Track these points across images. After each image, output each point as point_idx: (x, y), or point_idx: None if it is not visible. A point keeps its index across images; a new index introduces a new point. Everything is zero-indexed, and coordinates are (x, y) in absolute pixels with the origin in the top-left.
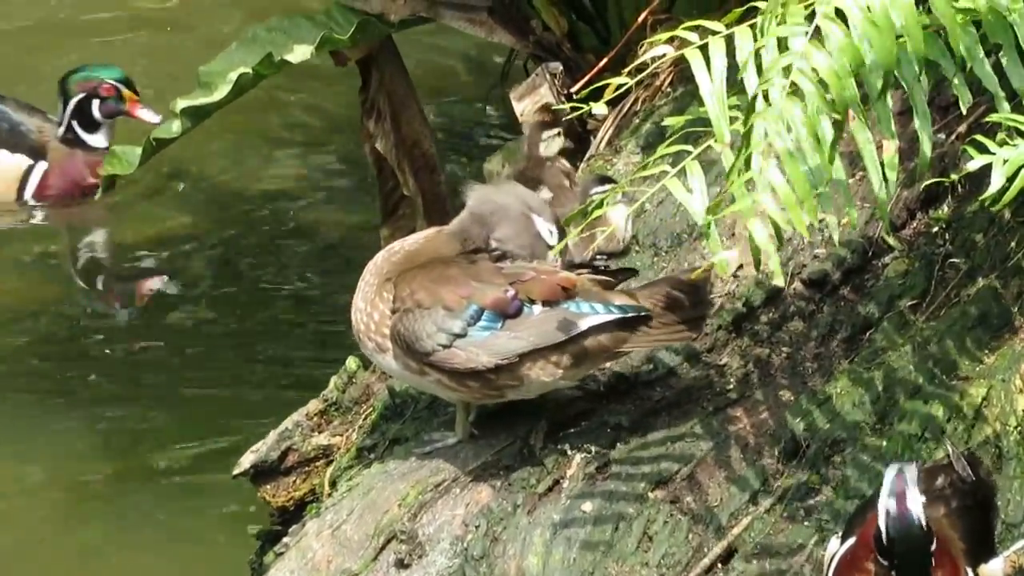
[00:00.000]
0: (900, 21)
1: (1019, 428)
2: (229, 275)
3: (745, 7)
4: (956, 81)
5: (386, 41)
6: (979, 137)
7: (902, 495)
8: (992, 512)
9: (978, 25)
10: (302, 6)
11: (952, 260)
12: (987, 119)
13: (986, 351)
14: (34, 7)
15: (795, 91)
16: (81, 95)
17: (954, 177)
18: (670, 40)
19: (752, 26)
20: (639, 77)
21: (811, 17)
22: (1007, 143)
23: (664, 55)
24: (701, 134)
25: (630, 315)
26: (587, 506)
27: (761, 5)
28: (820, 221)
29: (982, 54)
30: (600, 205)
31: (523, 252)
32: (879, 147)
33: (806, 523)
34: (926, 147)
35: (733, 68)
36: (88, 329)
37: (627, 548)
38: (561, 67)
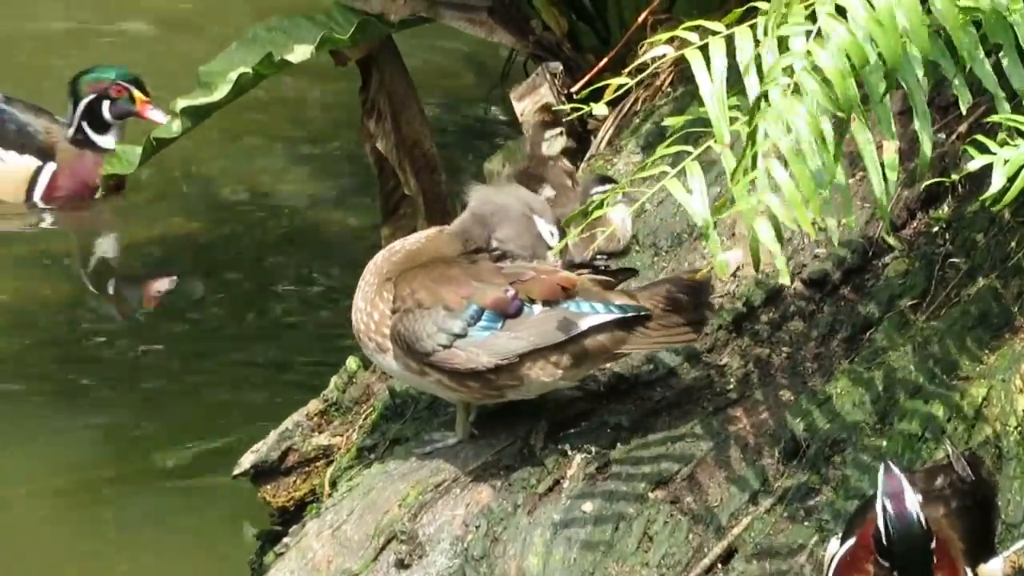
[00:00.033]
0: (904, 21)
1: (1019, 428)
2: (229, 275)
3: (745, 7)
4: (956, 81)
5: (386, 41)
6: (980, 137)
7: (899, 494)
8: (992, 512)
9: (978, 25)
10: (321, 7)
11: (952, 260)
12: (987, 119)
13: (986, 351)
14: (57, 8)
15: (797, 91)
16: (91, 96)
17: (955, 177)
18: (670, 40)
19: (752, 26)
20: (639, 77)
21: (813, 17)
22: (1008, 143)
23: (664, 55)
24: (701, 134)
25: (630, 315)
26: (587, 506)
27: (761, 5)
28: (820, 220)
29: (982, 54)
30: (600, 205)
31: (524, 253)
32: (879, 147)
33: (806, 523)
34: (926, 147)
35: (733, 68)
36: (89, 330)
37: (627, 548)
38: (561, 67)
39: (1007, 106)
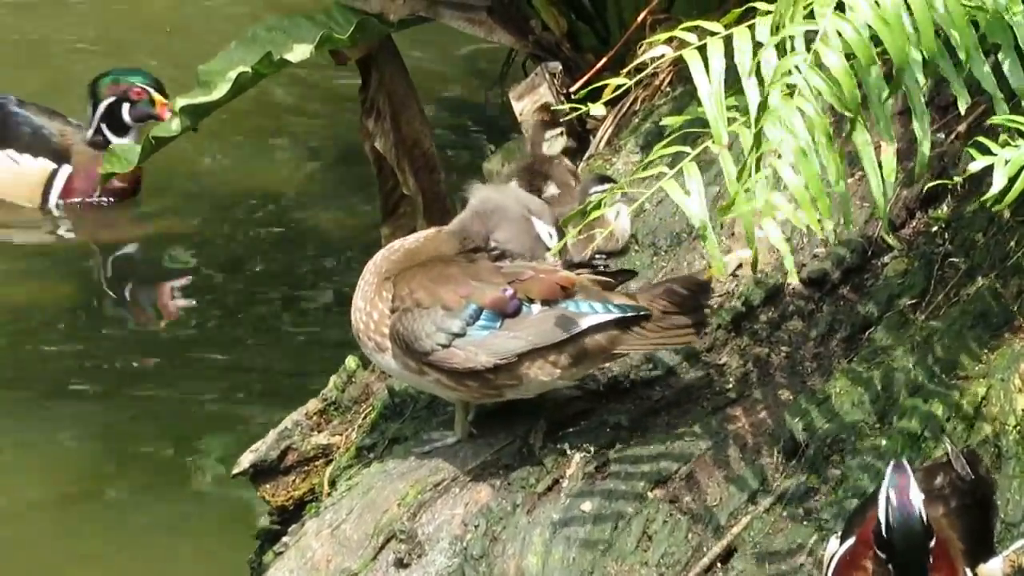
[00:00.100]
0: (910, 21)
1: (1018, 427)
2: (229, 274)
3: (744, 7)
4: (955, 81)
5: (386, 40)
6: (980, 138)
7: (904, 487)
8: (991, 511)
9: (975, 25)
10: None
11: (952, 259)
12: (986, 119)
13: (985, 350)
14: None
15: (803, 90)
16: (111, 99)
17: (957, 180)
18: (669, 40)
19: (751, 27)
20: (638, 77)
21: (812, 15)
22: (1009, 144)
23: (663, 55)
24: (700, 134)
25: (629, 315)
26: (586, 505)
27: (760, 5)
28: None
29: (982, 55)
30: (598, 205)
31: (523, 253)
32: (877, 148)
33: (805, 523)
34: (924, 148)
35: (731, 69)
36: (90, 330)
37: (626, 547)
38: (560, 67)
39: (1005, 107)
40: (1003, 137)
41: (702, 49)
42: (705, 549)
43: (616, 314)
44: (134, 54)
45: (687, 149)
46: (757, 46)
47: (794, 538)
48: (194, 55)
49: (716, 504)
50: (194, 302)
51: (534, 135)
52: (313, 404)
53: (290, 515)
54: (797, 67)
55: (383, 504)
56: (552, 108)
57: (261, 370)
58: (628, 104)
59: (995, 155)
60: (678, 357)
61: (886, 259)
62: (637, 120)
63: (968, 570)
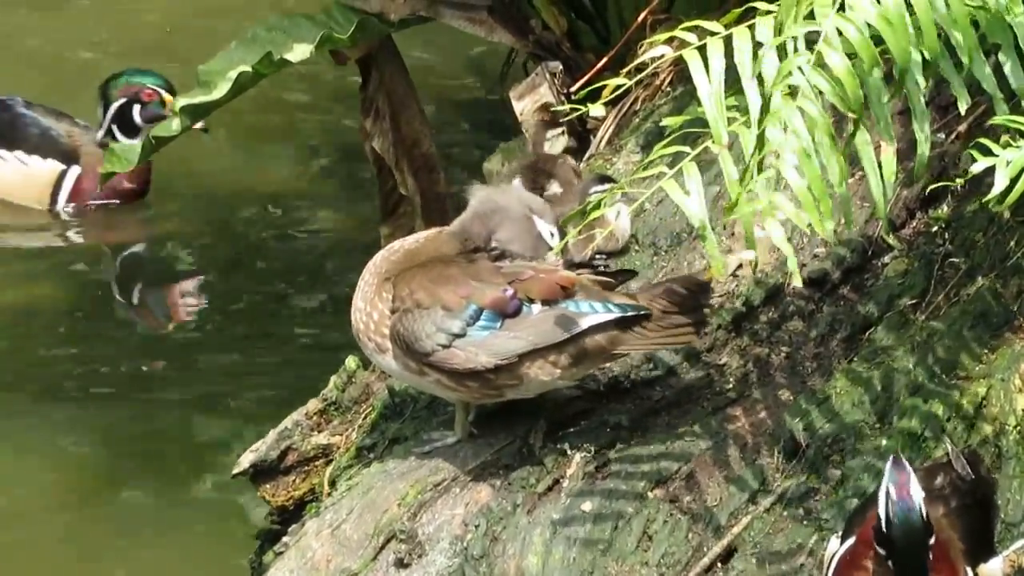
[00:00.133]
0: (912, 21)
1: (1018, 427)
2: (228, 275)
3: (744, 7)
4: (955, 81)
5: (386, 40)
6: (982, 139)
7: (903, 483)
8: (992, 511)
9: (975, 25)
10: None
11: (952, 259)
12: (987, 119)
13: (986, 350)
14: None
15: (807, 91)
16: (122, 100)
17: (959, 181)
18: (669, 40)
19: (751, 26)
20: (638, 77)
21: (811, 15)
22: (1010, 145)
23: (663, 55)
24: (700, 134)
25: (630, 314)
26: (587, 505)
27: (760, 5)
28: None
29: (982, 55)
30: (598, 205)
31: (524, 253)
32: (876, 148)
33: (805, 523)
34: (924, 148)
35: (731, 69)
36: (92, 331)
37: (627, 547)
38: (561, 66)
39: (1005, 107)
40: (1004, 138)
41: (702, 49)
42: (705, 549)
43: (616, 314)
44: (134, 54)
45: (687, 149)
46: (757, 46)
47: (794, 538)
48: (194, 55)
49: (716, 504)
50: (196, 303)
51: (536, 135)
52: (313, 404)
53: (290, 515)
54: (800, 68)
55: (383, 504)
56: (552, 108)
57: (261, 370)
58: (629, 104)
59: (996, 156)
60: (678, 357)
61: (886, 259)
62: (638, 120)
63: (969, 570)
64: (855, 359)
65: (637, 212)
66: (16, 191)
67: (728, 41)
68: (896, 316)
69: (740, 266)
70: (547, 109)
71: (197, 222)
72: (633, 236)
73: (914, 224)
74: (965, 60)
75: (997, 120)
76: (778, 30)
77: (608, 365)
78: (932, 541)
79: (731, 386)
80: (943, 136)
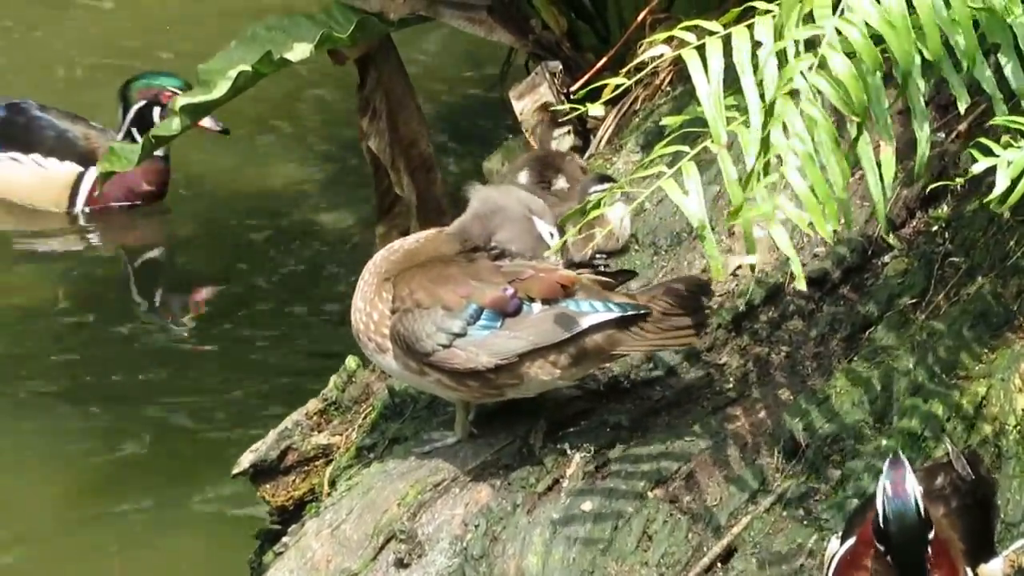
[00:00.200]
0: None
1: (1018, 427)
2: (228, 275)
3: (743, 7)
4: (955, 82)
5: (385, 40)
6: (982, 139)
7: (899, 478)
8: (992, 511)
9: (976, 25)
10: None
11: (952, 259)
12: (986, 119)
13: (986, 350)
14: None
15: (810, 94)
16: (142, 102)
17: (959, 181)
18: (669, 40)
19: (750, 26)
20: (638, 76)
21: (811, 19)
22: (1011, 145)
23: (663, 55)
24: (700, 134)
25: (630, 314)
26: (587, 505)
27: (759, 5)
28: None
29: (982, 56)
30: (598, 204)
31: (525, 254)
32: (876, 148)
33: (805, 523)
34: (924, 148)
35: (731, 68)
36: (98, 330)
37: (626, 547)
38: (560, 66)
39: (1004, 107)
40: (1005, 138)
41: (701, 49)
42: (705, 549)
43: (617, 313)
44: (134, 54)
45: (687, 149)
46: (756, 46)
47: (794, 538)
48: (194, 54)
49: (716, 504)
50: (190, 301)
51: (543, 134)
52: (313, 404)
53: (290, 515)
54: (802, 72)
55: (383, 504)
56: (552, 108)
57: (259, 370)
58: (628, 103)
59: (997, 156)
60: (678, 357)
61: (886, 259)
62: (637, 119)
63: (969, 570)
64: (855, 359)
65: (637, 212)
66: (34, 194)
67: (727, 41)
68: (896, 316)
69: (740, 266)
70: (547, 109)
71: (197, 223)
72: (633, 236)
73: (914, 224)
74: (967, 63)
75: (997, 120)
76: (778, 33)
77: (608, 365)
78: (931, 535)
79: (731, 386)
80: (943, 136)
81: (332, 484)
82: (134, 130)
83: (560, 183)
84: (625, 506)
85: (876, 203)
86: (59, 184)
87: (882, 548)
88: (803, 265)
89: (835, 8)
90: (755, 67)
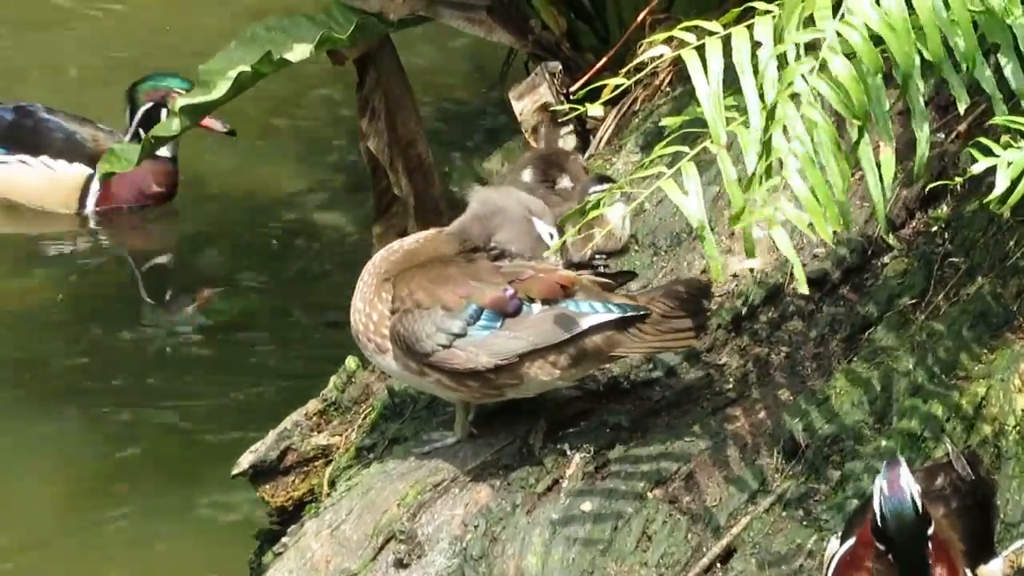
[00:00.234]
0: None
1: (1018, 428)
2: (228, 275)
3: (742, 7)
4: (954, 82)
5: (384, 40)
6: (982, 139)
7: (895, 476)
8: (992, 511)
9: (975, 26)
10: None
11: (951, 259)
12: (986, 119)
13: (985, 350)
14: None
15: (811, 98)
16: (149, 104)
17: (959, 180)
18: (668, 40)
19: (750, 27)
20: (638, 77)
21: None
22: (1011, 145)
23: (662, 55)
24: (699, 134)
25: (630, 314)
26: (586, 505)
27: (759, 5)
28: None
29: (982, 56)
30: (597, 205)
31: (525, 255)
32: (875, 148)
33: (805, 523)
34: (923, 148)
35: (731, 68)
36: (102, 330)
37: (626, 547)
38: (560, 66)
39: (1004, 108)
40: (1005, 138)
41: (700, 49)
42: (705, 549)
43: (617, 314)
44: (134, 54)
45: (686, 149)
46: (756, 46)
47: (794, 538)
48: (195, 54)
49: (716, 504)
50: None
51: (548, 133)
52: (313, 404)
53: (290, 515)
54: (803, 76)
55: (383, 504)
56: (551, 108)
57: (259, 370)
58: (628, 104)
59: (996, 156)
60: (678, 357)
61: (886, 259)
62: (637, 120)
63: (969, 571)
64: (855, 359)
65: (637, 212)
66: (43, 196)
67: (727, 41)
68: (896, 316)
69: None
70: (547, 109)
71: (196, 224)
72: (633, 236)
73: (914, 224)
74: (967, 65)
75: (997, 120)
76: (778, 36)
77: (608, 366)
78: (931, 531)
79: (731, 386)
80: (943, 136)
81: (332, 484)
82: (141, 131)
83: (564, 182)
84: (625, 506)
85: (876, 204)
86: (68, 186)
87: (883, 547)
88: (803, 266)
89: (835, 11)
90: (755, 68)
